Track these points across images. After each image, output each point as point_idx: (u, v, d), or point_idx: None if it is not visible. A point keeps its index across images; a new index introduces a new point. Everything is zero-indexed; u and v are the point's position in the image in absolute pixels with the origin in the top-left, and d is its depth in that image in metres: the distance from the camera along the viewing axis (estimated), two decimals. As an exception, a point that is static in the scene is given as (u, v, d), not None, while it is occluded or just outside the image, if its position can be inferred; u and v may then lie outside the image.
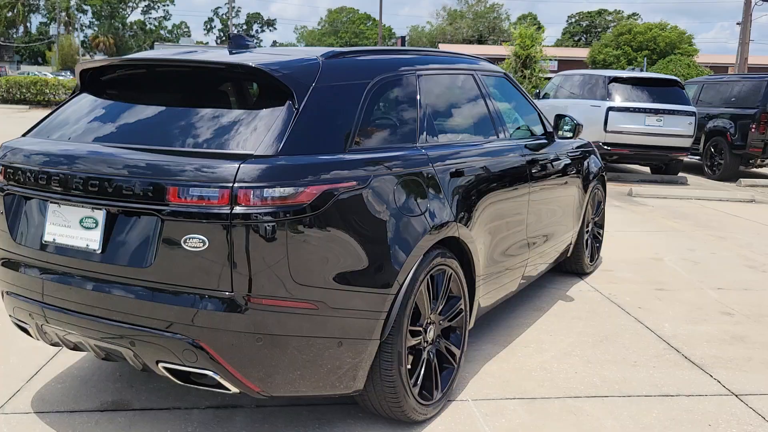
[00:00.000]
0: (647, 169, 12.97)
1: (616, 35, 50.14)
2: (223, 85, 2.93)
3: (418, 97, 3.23)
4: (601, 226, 5.84)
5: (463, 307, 3.25)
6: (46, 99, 27.00)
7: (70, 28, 74.58)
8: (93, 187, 2.49)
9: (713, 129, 12.69)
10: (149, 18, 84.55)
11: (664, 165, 12.30)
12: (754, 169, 13.25)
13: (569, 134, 4.74)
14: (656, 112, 11.26)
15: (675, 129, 11.30)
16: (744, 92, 12.50)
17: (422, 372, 2.99)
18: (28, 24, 77.32)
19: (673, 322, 4.47)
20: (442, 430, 2.98)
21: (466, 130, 3.74)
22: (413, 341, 2.91)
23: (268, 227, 2.32)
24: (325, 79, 2.71)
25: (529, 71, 20.29)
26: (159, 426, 2.94)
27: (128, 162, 2.47)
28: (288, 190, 2.36)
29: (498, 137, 3.90)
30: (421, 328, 2.96)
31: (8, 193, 2.79)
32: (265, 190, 2.32)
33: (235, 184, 2.29)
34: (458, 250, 3.23)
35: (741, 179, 12.08)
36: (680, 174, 12.26)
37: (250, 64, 2.63)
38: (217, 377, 2.45)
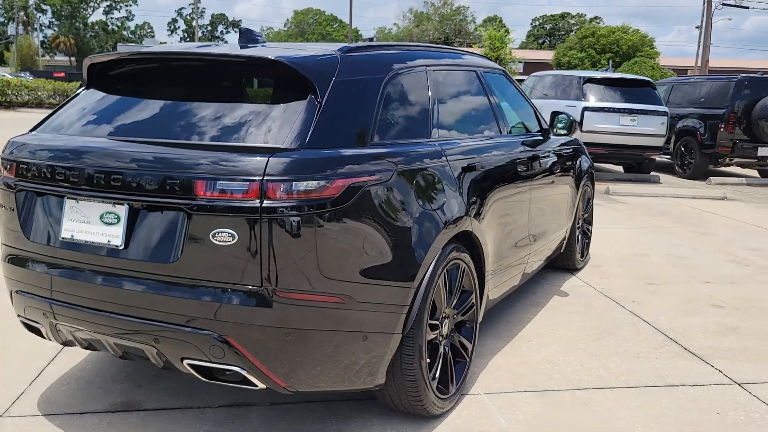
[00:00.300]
0: (620, 168, 13.20)
1: (580, 38, 50.87)
2: (242, 78, 2.90)
3: (429, 92, 3.25)
4: (590, 223, 5.93)
5: (474, 300, 3.27)
6: (8, 100, 26.24)
7: (29, 28, 72.86)
8: (115, 182, 2.43)
9: (683, 129, 12.98)
10: (111, 18, 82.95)
11: (637, 164, 12.54)
12: (723, 168, 13.58)
13: (564, 131, 4.81)
14: (630, 112, 11.48)
15: (648, 129, 11.54)
16: (713, 93, 12.81)
17: (439, 366, 3.00)
18: (-15, 24, 75.39)
19: (668, 314, 4.56)
20: (460, 424, 2.99)
21: (472, 126, 3.77)
22: (431, 335, 2.92)
23: (296, 221, 2.30)
24: (344, 73, 2.70)
25: (499, 72, 20.46)
26: (174, 426, 2.89)
27: (152, 156, 2.42)
28: (316, 184, 2.34)
29: (501, 133, 3.94)
30: (437, 322, 2.97)
31: (20, 189, 2.71)
32: (294, 183, 2.30)
33: (265, 178, 2.26)
34: (469, 244, 3.25)
35: (711, 178, 12.37)
36: (652, 173, 12.51)
37: (271, 57, 2.60)
38: (244, 373, 2.42)
